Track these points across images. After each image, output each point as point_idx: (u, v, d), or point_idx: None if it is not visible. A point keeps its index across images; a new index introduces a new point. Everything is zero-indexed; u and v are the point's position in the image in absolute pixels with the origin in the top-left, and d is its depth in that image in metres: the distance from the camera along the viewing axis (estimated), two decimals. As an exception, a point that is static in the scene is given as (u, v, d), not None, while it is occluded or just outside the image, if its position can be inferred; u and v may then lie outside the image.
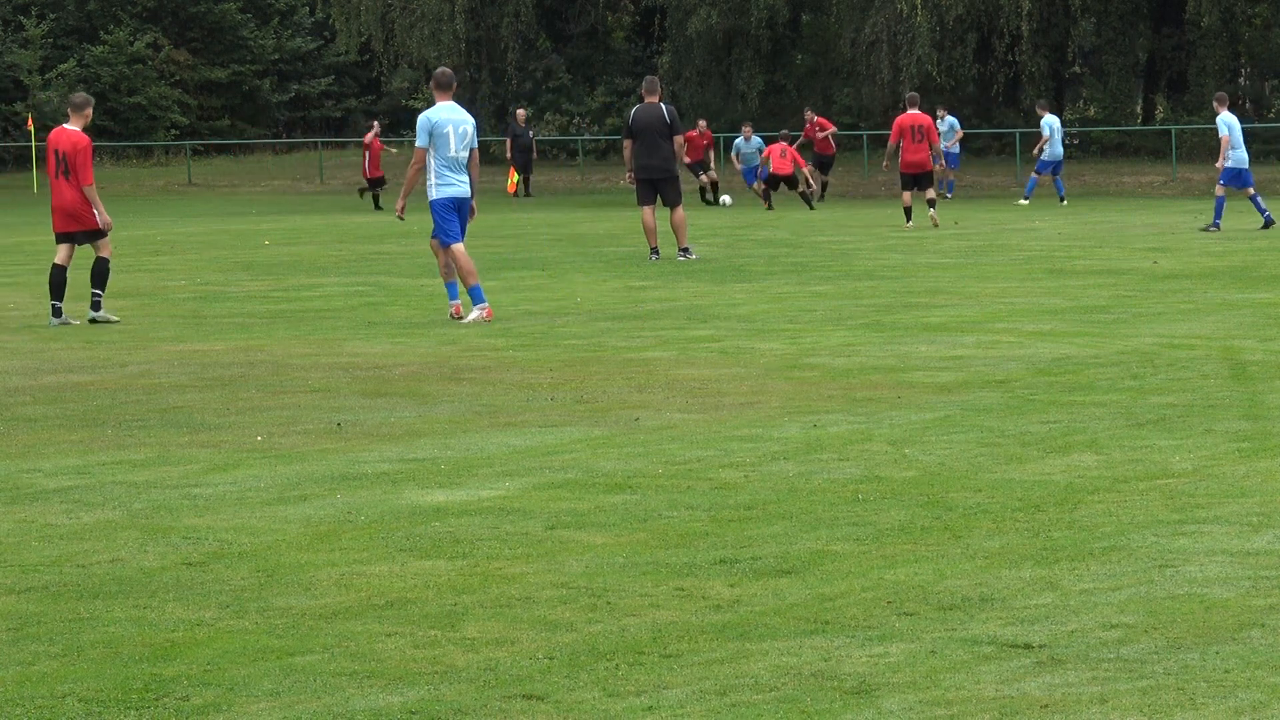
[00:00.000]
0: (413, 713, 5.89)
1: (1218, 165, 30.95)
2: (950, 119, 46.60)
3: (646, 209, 25.61)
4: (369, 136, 48.31)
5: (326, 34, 71.72)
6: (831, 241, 29.75)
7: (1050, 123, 42.03)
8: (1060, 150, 42.36)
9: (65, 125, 18.84)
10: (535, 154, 51.89)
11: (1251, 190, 31.06)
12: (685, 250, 25.61)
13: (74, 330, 17.94)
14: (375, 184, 47.98)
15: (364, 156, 48.60)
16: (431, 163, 18.04)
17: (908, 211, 32.87)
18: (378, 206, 47.61)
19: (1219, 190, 30.96)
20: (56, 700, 6.08)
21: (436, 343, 16.34)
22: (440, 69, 19.03)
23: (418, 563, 7.94)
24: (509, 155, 51.04)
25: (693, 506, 9.02)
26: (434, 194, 18.08)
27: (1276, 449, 10.40)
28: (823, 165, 47.62)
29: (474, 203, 18.34)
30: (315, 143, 68.01)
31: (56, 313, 18.58)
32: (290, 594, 7.42)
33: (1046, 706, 5.82)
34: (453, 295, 18.38)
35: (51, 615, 7.15)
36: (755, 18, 57.73)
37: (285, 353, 15.72)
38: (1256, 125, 55.94)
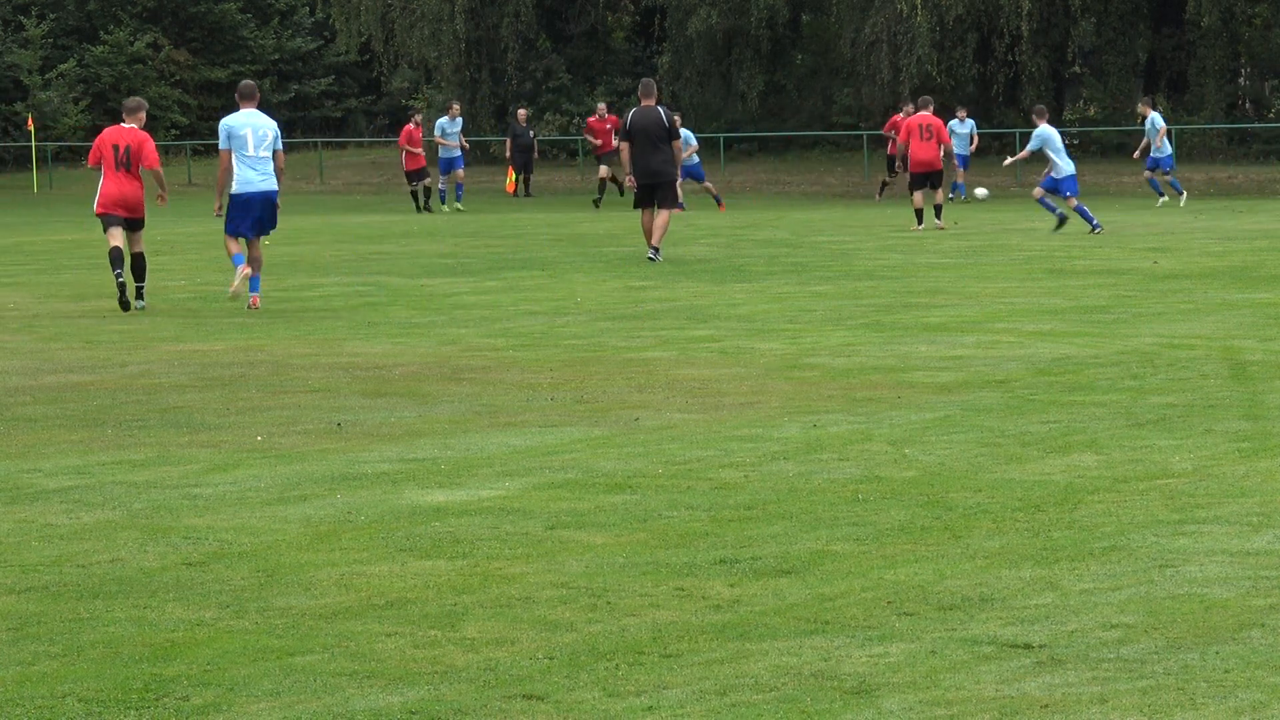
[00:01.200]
0: (413, 713, 5.89)
1: (1049, 172, 31.48)
2: (970, 122, 46.19)
3: (645, 212, 25.55)
4: (411, 127, 44.56)
5: (326, 34, 71.69)
6: (831, 241, 29.75)
7: (1157, 119, 40.57)
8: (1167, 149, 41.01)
9: (121, 125, 20.71)
10: (536, 154, 51.72)
11: (1043, 193, 31.35)
12: (655, 250, 25.38)
13: (74, 330, 17.95)
14: (421, 177, 44.35)
15: (404, 152, 44.49)
16: (234, 163, 20.05)
17: (919, 214, 32.46)
18: (426, 207, 44.17)
19: (1036, 193, 31.73)
20: (56, 700, 6.08)
21: (436, 343, 16.35)
22: (244, 82, 21.29)
23: (418, 563, 7.94)
24: (509, 155, 50.91)
25: (693, 506, 9.03)
26: (233, 189, 20.07)
27: (1276, 449, 10.41)
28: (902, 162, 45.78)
29: (277, 200, 20.32)
30: (315, 143, 68.01)
31: (119, 275, 19.92)
32: (290, 594, 7.42)
33: (1046, 706, 5.82)
34: (238, 262, 20.10)
35: (51, 615, 7.16)
36: (755, 18, 57.70)
37: (285, 353, 15.72)
38: (1257, 125, 55.95)
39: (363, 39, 64.79)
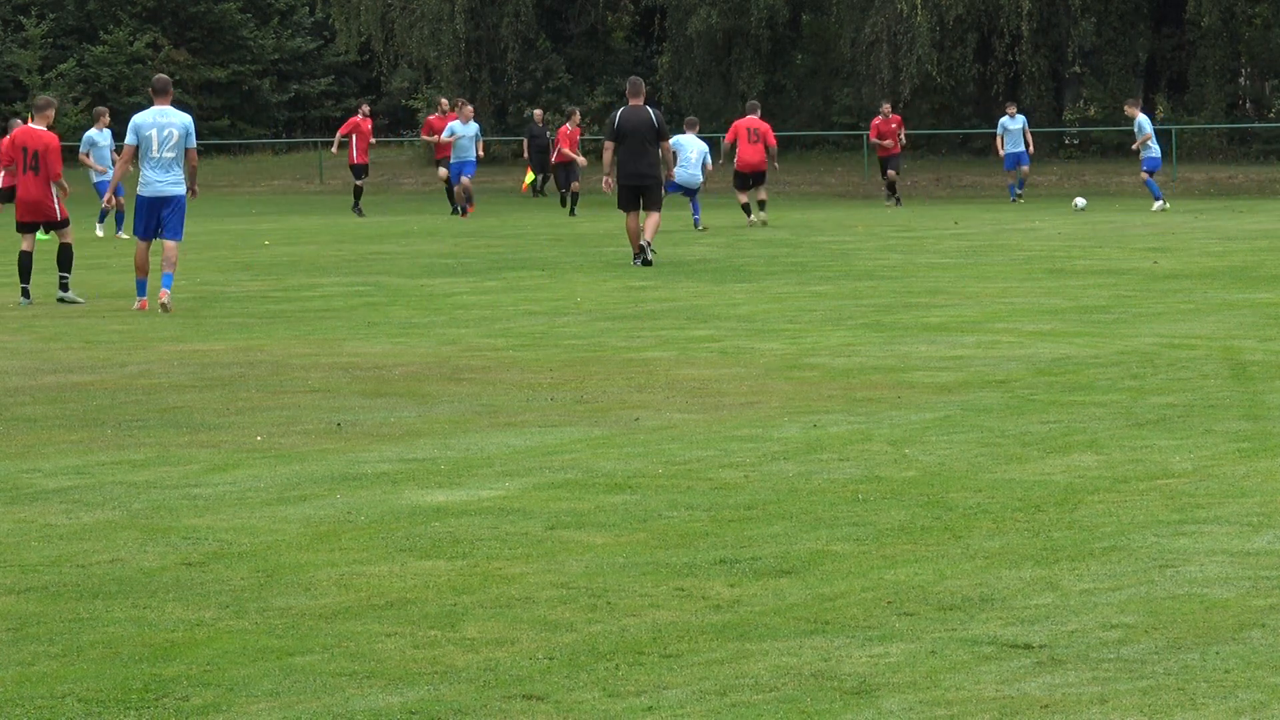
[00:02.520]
0: (413, 713, 5.89)
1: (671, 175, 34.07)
2: (1021, 118, 45.79)
3: (631, 216, 24.99)
4: (359, 118, 42.82)
5: (326, 34, 71.67)
6: (831, 241, 29.75)
7: (1143, 122, 39.95)
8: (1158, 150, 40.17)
9: (30, 125, 21.35)
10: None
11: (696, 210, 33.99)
12: (646, 245, 24.93)
13: (74, 330, 17.95)
14: (363, 173, 42.72)
15: (352, 143, 42.31)
16: (140, 163, 19.94)
17: (746, 208, 34.87)
18: (356, 208, 42.27)
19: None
20: (56, 700, 6.08)
21: (436, 343, 16.35)
22: (157, 76, 21.15)
23: (418, 563, 7.94)
24: (526, 155, 50.84)
25: (693, 506, 9.02)
26: (138, 189, 19.96)
27: (1276, 449, 10.40)
28: (894, 162, 45.16)
29: (195, 185, 20.25)
30: (315, 143, 67.96)
31: (25, 294, 20.86)
32: (290, 594, 7.42)
33: (1046, 706, 5.82)
34: (140, 292, 20.01)
35: (51, 615, 7.15)
36: (755, 18, 57.71)
37: (285, 353, 15.72)
38: (1257, 125, 55.93)
39: (363, 39, 64.77)
